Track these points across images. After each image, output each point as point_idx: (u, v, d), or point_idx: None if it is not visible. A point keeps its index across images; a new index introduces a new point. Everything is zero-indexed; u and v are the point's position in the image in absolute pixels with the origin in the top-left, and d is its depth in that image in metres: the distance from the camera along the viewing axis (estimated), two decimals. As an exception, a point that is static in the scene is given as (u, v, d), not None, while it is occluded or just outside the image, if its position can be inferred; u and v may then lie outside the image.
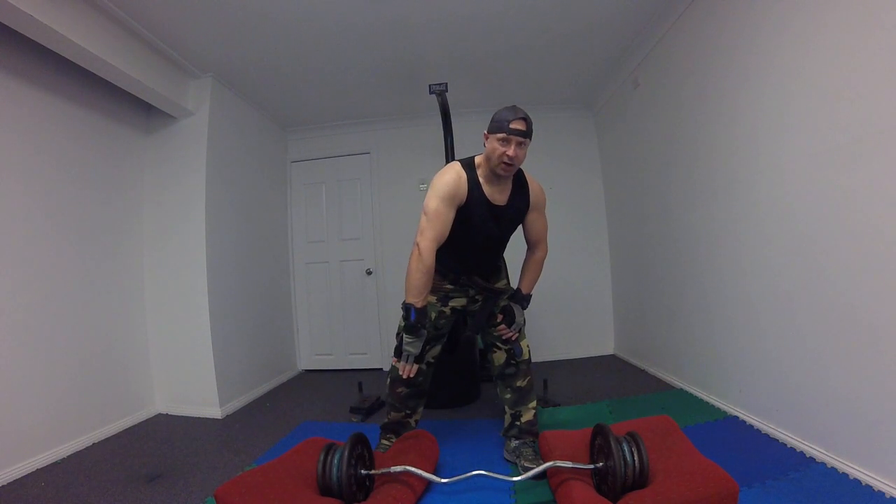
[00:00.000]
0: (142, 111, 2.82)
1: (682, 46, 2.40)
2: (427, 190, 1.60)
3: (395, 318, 3.68)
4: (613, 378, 3.03)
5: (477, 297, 1.83)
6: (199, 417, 2.62)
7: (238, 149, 3.14)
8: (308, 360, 3.90)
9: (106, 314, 2.48)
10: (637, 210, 3.15)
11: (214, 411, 2.64)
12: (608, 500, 1.32)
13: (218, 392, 2.66)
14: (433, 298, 1.78)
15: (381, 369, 3.77)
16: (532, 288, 1.84)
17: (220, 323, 2.76)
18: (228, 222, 2.96)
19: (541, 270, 1.85)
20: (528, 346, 1.85)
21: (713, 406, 2.24)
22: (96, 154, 2.49)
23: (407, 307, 1.52)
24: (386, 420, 1.90)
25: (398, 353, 1.57)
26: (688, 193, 2.45)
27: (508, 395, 1.81)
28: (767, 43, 1.78)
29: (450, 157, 2.96)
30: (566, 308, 3.69)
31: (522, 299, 1.81)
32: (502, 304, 1.82)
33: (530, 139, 1.57)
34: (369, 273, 3.82)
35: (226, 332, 2.82)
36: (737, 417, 2.05)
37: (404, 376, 1.57)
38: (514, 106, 1.56)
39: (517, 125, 1.52)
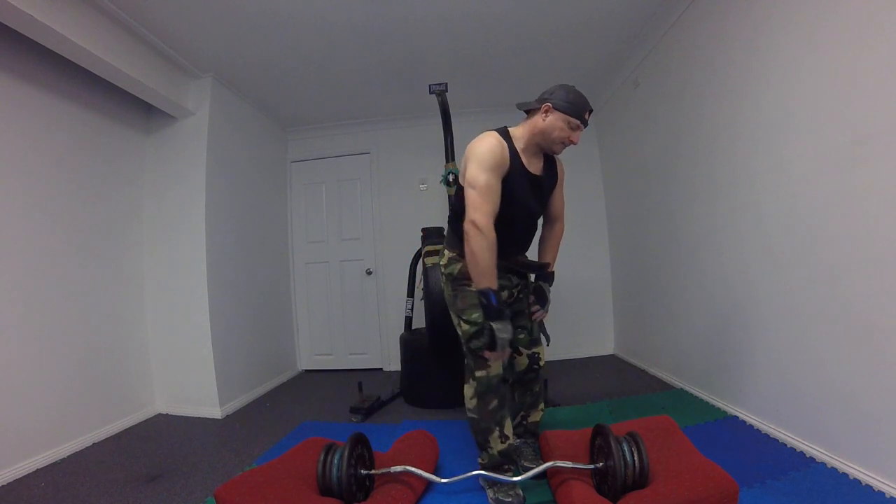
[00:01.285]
0: (142, 111, 2.82)
1: (682, 46, 2.40)
2: (467, 163, 1.45)
3: (395, 318, 3.70)
4: (613, 378, 3.03)
5: (514, 290, 1.73)
6: (198, 417, 2.62)
7: (238, 149, 3.14)
8: (308, 360, 3.90)
9: (106, 314, 2.48)
10: (637, 210, 3.15)
11: (214, 411, 2.64)
12: (608, 500, 1.32)
13: (218, 392, 2.66)
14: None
15: (381, 369, 3.78)
16: (554, 264, 1.78)
17: (220, 323, 2.76)
18: (228, 222, 2.96)
19: (559, 243, 1.81)
20: (544, 353, 1.80)
21: (713, 406, 2.24)
22: (96, 154, 2.49)
23: (486, 293, 1.36)
24: (491, 454, 1.54)
25: (491, 346, 1.37)
26: (688, 193, 2.45)
27: (528, 399, 1.80)
28: (768, 42, 1.78)
29: (450, 156, 2.96)
30: (566, 308, 3.69)
31: (549, 277, 1.74)
32: (532, 286, 1.74)
33: None
34: (369, 273, 3.82)
35: (226, 332, 2.82)
36: (737, 417, 2.05)
37: (500, 360, 1.44)
38: (580, 91, 1.51)
39: (588, 117, 1.51)
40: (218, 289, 2.77)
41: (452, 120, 2.93)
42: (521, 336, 1.72)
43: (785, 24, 1.68)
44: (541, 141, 1.54)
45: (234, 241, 3.02)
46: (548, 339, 1.75)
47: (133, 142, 2.76)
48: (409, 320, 3.03)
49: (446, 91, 2.66)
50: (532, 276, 1.79)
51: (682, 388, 2.58)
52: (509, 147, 1.50)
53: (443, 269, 1.69)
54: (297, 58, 2.74)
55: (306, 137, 3.93)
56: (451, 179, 2.94)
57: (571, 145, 1.53)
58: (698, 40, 2.25)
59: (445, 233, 1.78)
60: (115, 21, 2.19)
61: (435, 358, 2.63)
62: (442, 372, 2.63)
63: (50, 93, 2.22)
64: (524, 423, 1.81)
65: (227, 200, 2.95)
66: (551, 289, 1.75)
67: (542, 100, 1.52)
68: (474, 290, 1.42)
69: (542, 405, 1.82)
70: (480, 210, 1.37)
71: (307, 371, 3.89)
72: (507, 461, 1.56)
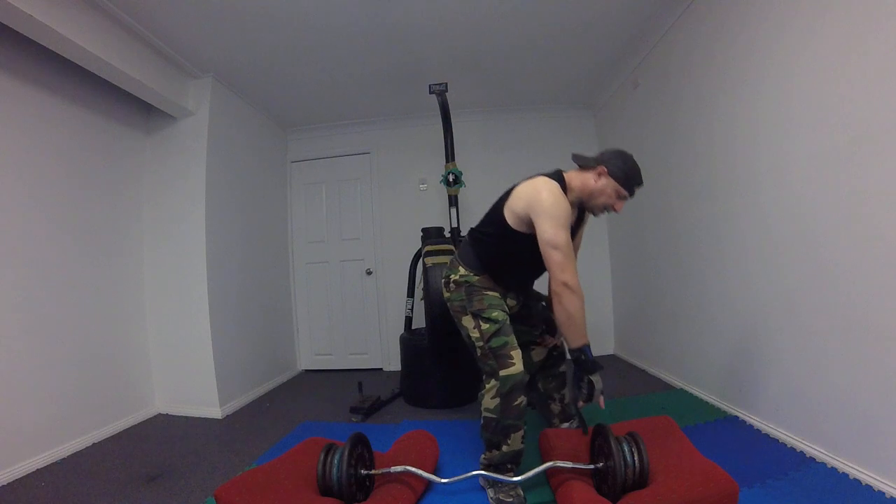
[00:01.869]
0: (142, 111, 2.81)
1: (681, 46, 2.40)
2: (533, 211, 1.46)
3: (395, 318, 3.70)
4: (613, 378, 3.03)
5: (520, 302, 1.83)
6: (199, 417, 2.62)
7: (238, 149, 3.14)
8: (308, 360, 3.90)
9: (106, 314, 2.48)
10: (637, 209, 3.15)
11: (214, 411, 2.64)
12: (608, 500, 1.32)
13: (218, 392, 2.66)
14: (497, 294, 1.68)
15: (381, 369, 3.78)
16: None
17: (220, 323, 2.76)
18: (228, 222, 2.96)
19: None
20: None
21: (713, 406, 2.24)
22: (96, 155, 2.49)
23: (585, 350, 1.41)
24: (503, 452, 1.53)
25: (589, 396, 1.43)
26: (688, 193, 2.45)
27: (553, 384, 1.88)
28: (766, 42, 1.78)
29: (450, 156, 2.96)
30: (566, 308, 3.69)
31: None
32: (540, 312, 1.89)
33: None
34: (369, 273, 3.82)
35: (226, 332, 2.82)
36: (737, 417, 2.05)
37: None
38: (639, 166, 1.54)
39: (637, 191, 1.55)
40: (218, 289, 2.77)
41: (452, 120, 2.93)
42: (535, 332, 1.86)
43: (783, 24, 1.69)
44: (586, 199, 1.57)
45: (235, 242, 3.02)
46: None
47: (133, 142, 2.76)
48: (409, 320, 3.03)
49: (446, 91, 2.66)
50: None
51: (682, 388, 2.58)
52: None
53: (455, 279, 1.69)
54: (297, 58, 2.74)
55: (306, 137, 3.93)
56: (451, 179, 2.95)
57: (615, 211, 1.56)
58: (698, 41, 2.25)
59: (460, 249, 1.78)
60: (115, 21, 2.19)
61: (435, 358, 2.63)
62: (442, 372, 2.63)
63: (49, 93, 2.22)
64: (565, 405, 1.90)
65: (227, 201, 2.95)
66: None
67: (598, 161, 1.54)
68: (573, 346, 1.43)
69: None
70: (568, 271, 1.40)
71: (307, 371, 3.89)
72: (514, 461, 1.56)
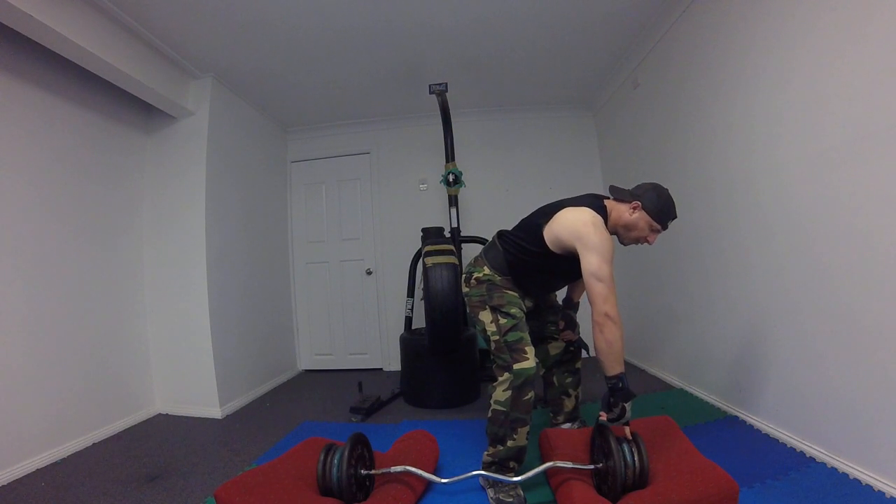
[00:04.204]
0: (142, 111, 2.81)
1: (681, 47, 2.40)
2: (581, 244, 1.49)
3: (395, 318, 3.70)
4: (613, 378, 3.03)
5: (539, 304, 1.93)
6: (199, 417, 2.62)
7: (238, 149, 3.14)
8: (308, 360, 3.90)
9: (107, 314, 2.48)
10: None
11: (214, 411, 2.64)
12: (608, 500, 1.32)
13: (218, 392, 2.66)
14: (515, 293, 1.72)
15: (381, 369, 3.78)
16: (581, 296, 1.95)
17: (220, 323, 2.76)
18: (228, 223, 2.96)
19: None
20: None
21: (713, 406, 2.24)
22: (96, 155, 2.49)
23: (622, 378, 1.44)
24: (508, 447, 1.55)
25: (621, 418, 1.44)
26: (687, 192, 2.45)
27: (570, 379, 1.91)
28: (765, 42, 1.78)
29: (450, 156, 2.96)
30: (566, 308, 3.69)
31: (575, 306, 1.96)
32: (556, 307, 1.96)
33: None
34: (369, 273, 3.82)
35: (226, 332, 2.82)
36: (737, 417, 2.06)
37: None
38: (673, 202, 1.56)
39: (669, 225, 1.58)
40: (218, 289, 2.77)
41: (452, 120, 2.93)
42: (552, 328, 1.91)
43: (782, 24, 1.68)
44: (620, 231, 1.62)
45: (235, 242, 3.02)
46: (587, 349, 1.89)
47: (133, 142, 2.76)
48: (409, 320, 3.03)
49: (446, 91, 2.66)
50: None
51: (682, 388, 2.58)
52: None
53: (478, 276, 1.72)
54: (297, 58, 2.74)
55: (306, 137, 3.93)
56: (451, 179, 2.95)
57: (648, 243, 1.60)
58: (698, 40, 2.25)
59: (486, 249, 1.80)
60: (115, 21, 2.19)
61: (435, 358, 2.63)
62: (442, 372, 2.63)
63: (50, 93, 2.21)
64: (575, 405, 1.93)
65: (227, 201, 2.95)
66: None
67: (633, 195, 1.58)
68: (610, 374, 1.45)
69: (581, 384, 1.95)
70: (610, 302, 1.44)
71: (307, 371, 3.89)
72: (518, 458, 1.58)
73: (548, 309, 1.94)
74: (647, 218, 1.54)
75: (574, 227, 1.52)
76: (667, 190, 1.57)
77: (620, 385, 1.43)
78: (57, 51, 2.01)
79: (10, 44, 1.99)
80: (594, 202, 1.59)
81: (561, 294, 2.02)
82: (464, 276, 1.80)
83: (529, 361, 1.54)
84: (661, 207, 1.53)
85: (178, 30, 2.36)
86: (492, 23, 2.50)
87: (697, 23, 2.24)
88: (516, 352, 1.55)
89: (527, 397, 1.53)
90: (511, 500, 1.45)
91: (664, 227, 1.56)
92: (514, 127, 3.80)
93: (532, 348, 1.58)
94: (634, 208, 1.55)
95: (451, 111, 2.85)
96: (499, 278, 1.70)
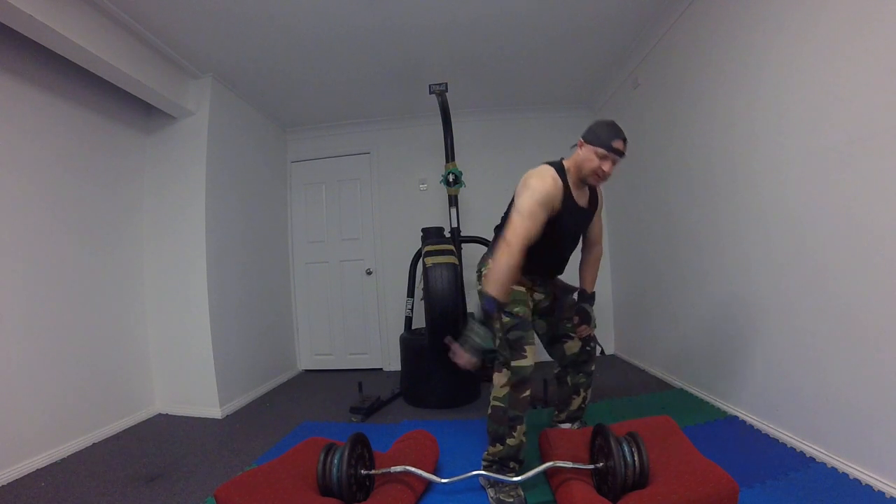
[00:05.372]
0: (142, 111, 2.81)
1: (681, 46, 2.40)
2: (521, 190, 1.57)
3: (395, 318, 3.70)
4: (613, 378, 3.03)
5: (550, 296, 1.89)
6: (199, 417, 2.62)
7: (238, 149, 3.14)
8: (308, 360, 3.90)
9: (107, 314, 2.48)
10: (637, 209, 3.15)
11: (214, 411, 2.64)
12: (608, 500, 1.32)
13: (218, 392, 2.66)
14: (523, 288, 1.74)
15: (381, 369, 3.78)
16: (594, 285, 1.94)
17: (220, 323, 2.76)
18: (228, 223, 2.96)
19: (598, 267, 1.95)
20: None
21: (713, 406, 2.24)
22: (96, 154, 2.49)
23: (491, 300, 1.45)
24: (508, 445, 1.57)
25: (463, 342, 1.45)
26: (687, 192, 2.46)
27: (584, 380, 1.91)
28: (765, 42, 1.78)
29: (450, 156, 2.96)
30: (566, 308, 3.69)
31: (590, 298, 1.91)
32: (572, 304, 1.90)
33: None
34: (369, 273, 3.82)
35: (226, 332, 2.82)
36: (737, 417, 2.06)
37: (466, 367, 1.47)
38: (615, 124, 1.58)
39: (618, 146, 1.56)
40: (218, 289, 2.77)
41: (452, 120, 2.93)
42: (569, 325, 1.87)
43: (782, 24, 1.69)
44: (578, 174, 1.65)
45: (234, 242, 3.02)
46: (602, 350, 1.94)
47: (133, 141, 2.76)
48: (409, 320, 3.03)
49: (446, 91, 2.66)
50: (574, 294, 1.92)
51: (682, 388, 2.58)
52: (564, 185, 1.63)
53: (485, 273, 1.71)
54: (297, 58, 2.74)
55: (306, 137, 3.93)
56: (451, 179, 2.95)
57: (606, 176, 1.60)
58: (698, 40, 2.25)
59: (491, 246, 1.82)
60: (114, 21, 2.19)
61: (435, 358, 2.63)
62: (442, 372, 2.63)
63: (50, 93, 2.21)
64: (582, 404, 1.94)
65: (227, 201, 2.95)
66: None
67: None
68: (483, 291, 1.50)
69: (591, 386, 1.95)
70: (517, 234, 1.48)
71: (307, 371, 3.89)
72: (517, 457, 1.60)
73: (565, 307, 1.91)
74: (590, 147, 1.58)
75: (524, 179, 1.60)
76: (605, 119, 1.62)
77: (485, 305, 1.47)
78: (57, 51, 2.01)
79: (10, 44, 1.99)
80: (552, 161, 1.69)
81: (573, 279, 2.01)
82: (476, 273, 1.85)
83: (527, 360, 1.57)
84: (596, 131, 1.57)
85: (177, 29, 2.36)
86: (492, 23, 2.50)
87: (698, 22, 2.24)
88: (516, 350, 1.59)
89: (524, 395, 1.58)
90: (511, 500, 1.45)
91: (609, 149, 1.54)
92: (513, 127, 3.80)
93: (533, 347, 1.60)
94: (579, 146, 1.62)
95: (451, 111, 2.85)
96: None
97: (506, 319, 1.64)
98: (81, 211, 2.38)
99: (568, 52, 2.88)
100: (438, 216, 3.62)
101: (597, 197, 1.83)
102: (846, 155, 1.45)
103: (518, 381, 1.56)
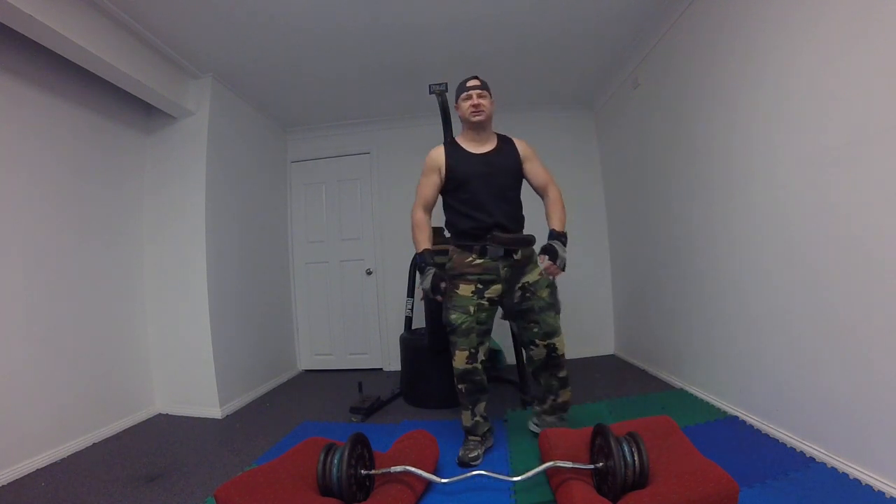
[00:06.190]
0: (142, 111, 2.81)
1: (682, 46, 2.40)
2: None
3: (395, 318, 3.70)
4: (613, 378, 3.03)
5: (515, 288, 1.88)
6: (199, 417, 2.62)
7: (238, 149, 3.14)
8: (308, 360, 3.90)
9: (107, 314, 2.48)
10: (637, 210, 3.15)
11: (214, 411, 2.64)
12: (608, 500, 1.32)
13: (218, 392, 2.66)
14: (469, 291, 1.83)
15: (381, 369, 3.78)
16: (563, 225, 1.91)
17: (220, 323, 2.76)
18: (228, 223, 2.96)
19: (563, 206, 1.94)
20: (563, 341, 1.92)
21: (713, 406, 2.24)
22: (96, 154, 2.49)
23: (418, 255, 1.88)
24: (464, 423, 1.93)
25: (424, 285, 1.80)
26: (687, 193, 2.45)
27: (555, 383, 1.94)
28: (765, 42, 1.78)
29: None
30: (566, 308, 3.65)
31: (558, 236, 1.86)
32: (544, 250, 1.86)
33: (489, 91, 1.89)
34: (369, 273, 3.82)
35: (226, 332, 2.82)
36: (737, 417, 2.05)
37: (420, 298, 1.78)
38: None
39: (471, 82, 1.88)
40: (218, 289, 2.77)
41: (452, 120, 2.93)
42: (535, 330, 1.87)
43: (782, 24, 1.68)
44: (468, 125, 1.92)
45: (235, 242, 3.02)
46: (557, 310, 1.93)
47: (133, 141, 2.76)
48: (409, 320, 3.03)
49: (446, 91, 2.65)
50: (541, 264, 1.84)
51: (682, 388, 2.58)
52: (447, 144, 1.97)
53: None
54: (297, 58, 2.74)
55: (306, 137, 3.93)
56: (450, 179, 2.94)
57: (479, 106, 1.84)
58: (698, 40, 2.25)
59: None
60: (114, 21, 2.19)
61: (435, 358, 2.63)
62: (442, 372, 2.63)
63: (50, 93, 2.22)
64: (554, 402, 1.96)
65: (227, 201, 2.95)
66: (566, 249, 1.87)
67: None
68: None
69: (569, 387, 1.97)
70: (415, 203, 1.95)
71: (307, 371, 3.89)
72: (473, 432, 1.89)
73: (534, 307, 1.86)
74: (459, 100, 1.90)
75: None
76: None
77: (417, 259, 1.87)
78: (57, 51, 2.01)
79: (10, 44, 1.99)
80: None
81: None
82: None
83: (456, 362, 1.82)
84: (456, 91, 1.92)
85: (177, 29, 2.36)
86: (492, 22, 2.50)
87: (698, 22, 2.24)
88: (452, 350, 1.83)
89: (458, 387, 1.87)
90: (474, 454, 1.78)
91: (466, 89, 1.87)
92: (514, 127, 3.72)
93: (465, 353, 1.80)
94: (458, 108, 1.93)
95: (451, 111, 2.84)
96: (449, 262, 1.92)
97: (450, 317, 1.82)
98: (82, 211, 2.38)
99: (568, 51, 2.88)
100: (438, 216, 3.61)
101: (511, 146, 1.96)
102: (845, 154, 1.45)
103: (456, 379, 1.84)
